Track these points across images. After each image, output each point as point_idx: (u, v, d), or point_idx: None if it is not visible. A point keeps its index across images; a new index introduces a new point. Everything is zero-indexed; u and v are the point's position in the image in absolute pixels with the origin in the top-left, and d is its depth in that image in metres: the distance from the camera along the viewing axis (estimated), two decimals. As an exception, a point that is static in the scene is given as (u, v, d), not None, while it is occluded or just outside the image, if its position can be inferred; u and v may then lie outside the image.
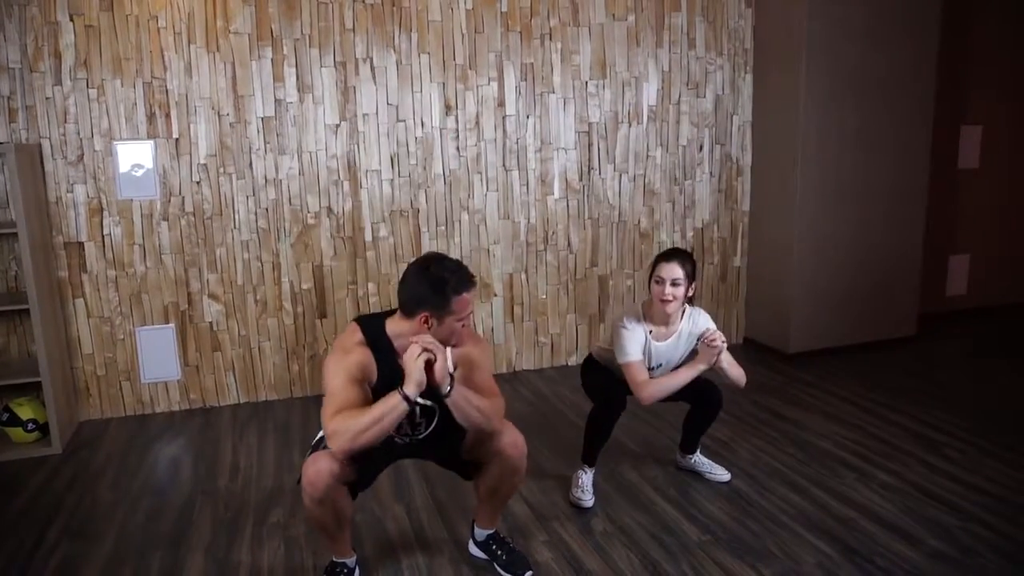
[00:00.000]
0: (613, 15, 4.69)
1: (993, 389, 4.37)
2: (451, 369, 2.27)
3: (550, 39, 4.60)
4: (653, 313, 3.06)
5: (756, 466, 3.46)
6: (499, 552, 2.69)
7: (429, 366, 2.20)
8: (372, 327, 2.39)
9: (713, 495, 3.20)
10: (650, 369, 3.07)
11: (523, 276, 4.83)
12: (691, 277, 2.99)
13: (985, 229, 5.96)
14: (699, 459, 3.38)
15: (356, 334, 2.38)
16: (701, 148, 5.04)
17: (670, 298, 2.95)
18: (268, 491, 3.34)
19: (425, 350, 2.20)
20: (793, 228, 4.83)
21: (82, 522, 3.12)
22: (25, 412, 3.83)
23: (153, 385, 4.32)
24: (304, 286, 4.43)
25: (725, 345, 2.99)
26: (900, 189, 5.02)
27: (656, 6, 4.77)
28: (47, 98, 3.92)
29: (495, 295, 4.79)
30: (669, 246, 5.05)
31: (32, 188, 3.77)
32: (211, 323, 4.33)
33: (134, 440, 3.98)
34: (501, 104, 4.59)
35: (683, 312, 3.09)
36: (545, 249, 4.84)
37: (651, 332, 3.06)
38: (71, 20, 3.88)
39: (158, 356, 4.28)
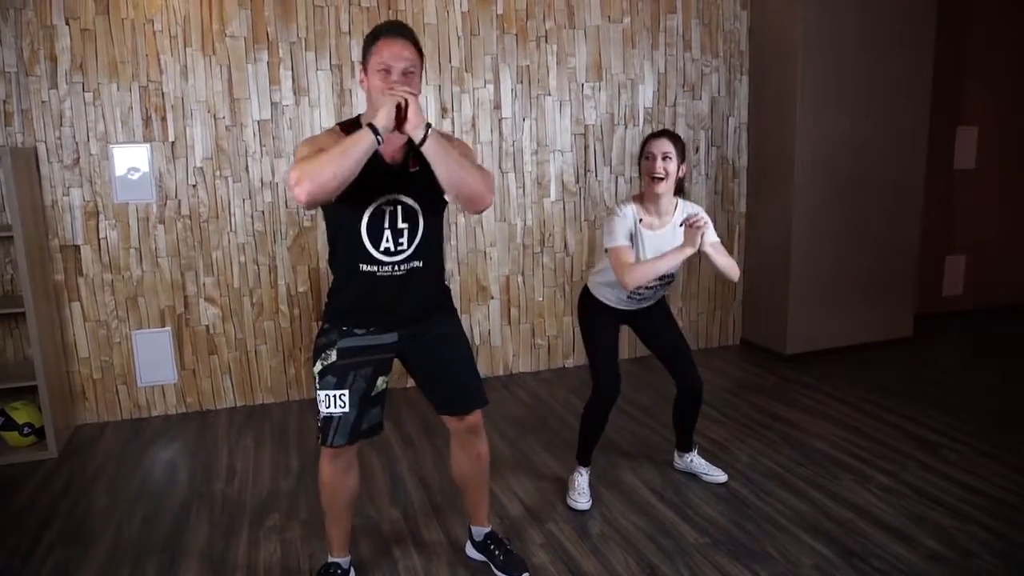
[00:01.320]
0: (608, 17, 4.69)
1: (990, 390, 4.37)
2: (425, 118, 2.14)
3: (546, 41, 4.60)
4: (645, 199, 2.98)
5: (753, 468, 3.45)
6: (497, 553, 2.69)
7: (400, 113, 2.08)
8: (346, 121, 2.36)
9: (710, 497, 3.20)
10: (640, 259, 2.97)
11: (520, 278, 4.83)
12: (681, 156, 2.92)
13: (981, 230, 5.96)
14: (696, 460, 3.38)
15: (332, 128, 2.34)
16: (697, 150, 5.04)
17: (661, 173, 2.87)
18: (264, 494, 3.34)
19: (398, 89, 2.09)
20: (789, 230, 4.84)
21: (78, 526, 3.11)
22: (21, 416, 3.82)
23: (149, 389, 4.31)
24: (300, 289, 4.43)
25: (709, 224, 2.85)
26: (896, 190, 5.03)
27: (652, 8, 4.77)
28: (43, 102, 3.91)
29: (492, 297, 4.79)
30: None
31: (28, 191, 3.76)
32: (207, 326, 4.33)
33: (130, 444, 3.97)
34: (497, 107, 4.59)
35: (676, 205, 3.01)
36: (542, 251, 4.84)
37: (641, 220, 2.96)
38: (67, 24, 3.88)
39: (154, 359, 4.28)
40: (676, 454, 3.45)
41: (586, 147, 4.81)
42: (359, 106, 4.32)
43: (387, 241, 2.30)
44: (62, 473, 3.63)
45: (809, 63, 4.63)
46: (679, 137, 2.96)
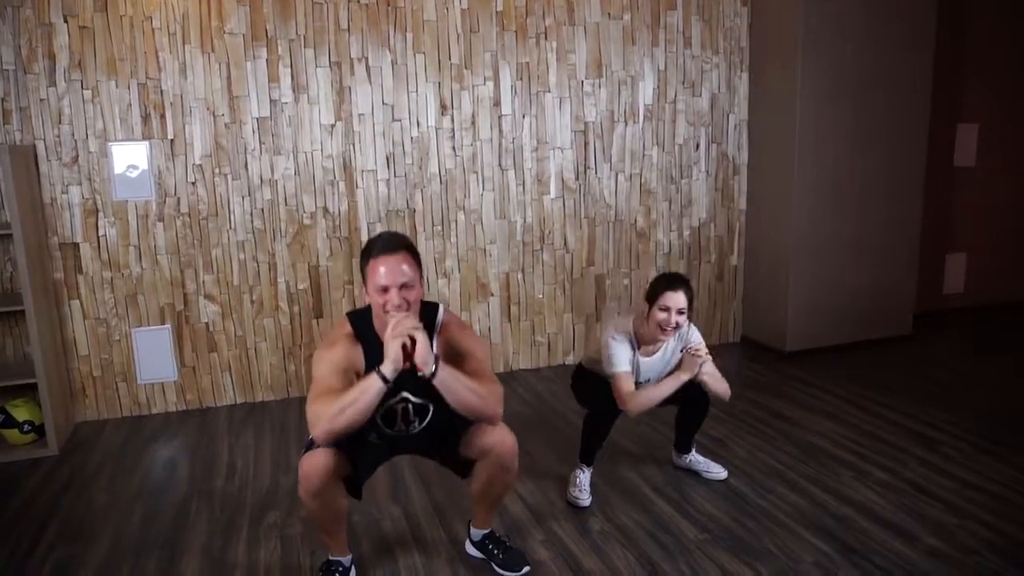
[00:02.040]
0: (608, 14, 4.68)
1: (990, 387, 4.37)
2: (434, 352, 2.23)
3: (545, 38, 4.60)
4: (644, 335, 3.05)
5: (753, 465, 3.45)
6: (495, 551, 2.69)
7: (407, 350, 2.16)
8: (359, 318, 2.40)
9: (710, 494, 3.20)
10: (637, 383, 3.06)
11: (520, 276, 4.82)
12: (691, 304, 3.00)
13: (982, 227, 5.96)
14: (695, 458, 3.38)
15: (344, 327, 2.39)
16: (697, 147, 5.04)
17: (672, 328, 2.95)
18: (264, 491, 3.34)
19: (401, 329, 2.16)
20: (790, 226, 4.84)
21: (78, 523, 3.11)
22: (21, 413, 3.82)
23: (149, 386, 4.31)
24: (300, 286, 4.42)
25: (709, 358, 2.99)
26: (896, 187, 5.03)
27: (652, 5, 4.76)
28: (41, 99, 3.91)
29: (492, 295, 4.79)
30: (666, 245, 5.06)
31: (27, 189, 3.76)
32: (207, 324, 4.33)
33: (130, 441, 3.97)
34: (497, 104, 4.58)
35: None
36: (542, 248, 4.83)
37: (639, 349, 3.07)
38: (65, 21, 3.87)
39: (154, 357, 4.28)
40: (675, 453, 3.45)
41: (586, 144, 4.80)
42: (358, 103, 4.32)
43: (399, 426, 2.48)
44: (62, 470, 3.63)
45: (809, 60, 4.62)
46: (689, 284, 3.02)
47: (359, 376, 2.30)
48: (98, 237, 4.10)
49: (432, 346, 2.25)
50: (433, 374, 2.19)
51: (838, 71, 4.70)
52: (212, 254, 4.27)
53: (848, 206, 4.91)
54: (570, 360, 5.01)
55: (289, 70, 4.21)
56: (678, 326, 2.95)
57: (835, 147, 4.80)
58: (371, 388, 2.15)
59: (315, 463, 2.28)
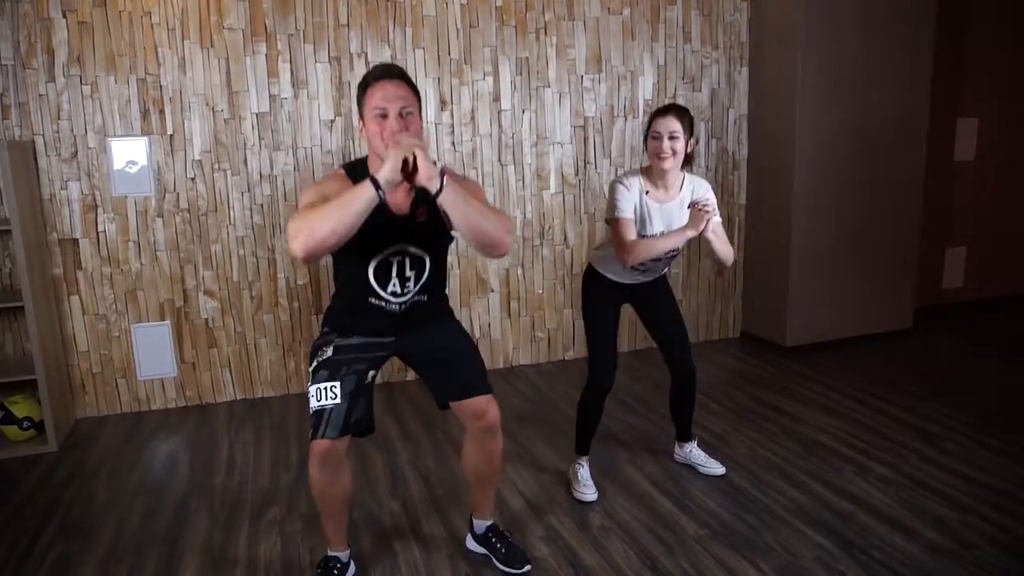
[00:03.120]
0: (608, 9, 4.67)
1: (990, 382, 4.37)
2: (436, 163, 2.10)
3: (545, 33, 4.59)
4: (651, 174, 2.94)
5: (753, 460, 3.46)
6: (498, 545, 2.69)
7: (408, 164, 2.02)
8: (352, 164, 2.34)
9: (710, 489, 3.20)
10: (651, 236, 2.94)
11: (519, 271, 4.82)
12: (689, 131, 2.88)
13: (981, 222, 5.95)
14: (695, 452, 3.38)
15: (337, 172, 2.33)
16: (697, 142, 5.03)
17: (668, 153, 2.83)
18: (264, 488, 3.34)
19: (404, 142, 2.04)
20: (790, 221, 4.83)
21: (78, 520, 3.11)
22: (21, 410, 3.82)
23: (149, 382, 4.31)
24: (300, 282, 4.42)
25: (716, 213, 2.86)
26: (896, 182, 5.02)
27: (651, -1, 4.76)
28: (40, 95, 3.90)
29: (492, 290, 4.79)
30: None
31: (25, 185, 3.75)
32: (207, 320, 4.32)
33: (130, 437, 3.97)
34: (496, 99, 4.57)
35: (683, 179, 2.98)
36: (541, 244, 4.83)
37: (648, 193, 2.93)
38: (64, 16, 3.86)
39: (154, 353, 4.27)
40: (676, 445, 3.45)
41: (586, 139, 4.79)
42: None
43: (394, 285, 2.36)
44: (62, 467, 3.63)
45: (809, 54, 4.61)
46: (686, 111, 2.90)
47: None
48: (97, 233, 4.09)
49: (431, 160, 2.09)
50: (439, 190, 2.05)
51: (838, 66, 4.69)
52: (212, 250, 4.26)
53: (848, 201, 4.91)
54: (570, 356, 5.01)
55: (288, 65, 4.20)
56: (673, 152, 2.83)
57: (835, 142, 4.79)
58: (362, 194, 2.00)
59: (323, 442, 2.29)
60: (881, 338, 5.18)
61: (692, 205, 2.88)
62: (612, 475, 3.35)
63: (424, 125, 4.39)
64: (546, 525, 2.95)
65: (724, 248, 2.96)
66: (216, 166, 4.19)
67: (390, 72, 2.22)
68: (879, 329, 5.21)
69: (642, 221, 2.93)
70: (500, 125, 4.61)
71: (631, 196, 2.90)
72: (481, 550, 2.75)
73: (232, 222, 4.27)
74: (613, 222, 2.92)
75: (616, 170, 4.86)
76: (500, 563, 2.65)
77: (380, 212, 2.08)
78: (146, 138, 4.07)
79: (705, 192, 2.98)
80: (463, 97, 4.51)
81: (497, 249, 2.23)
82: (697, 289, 5.24)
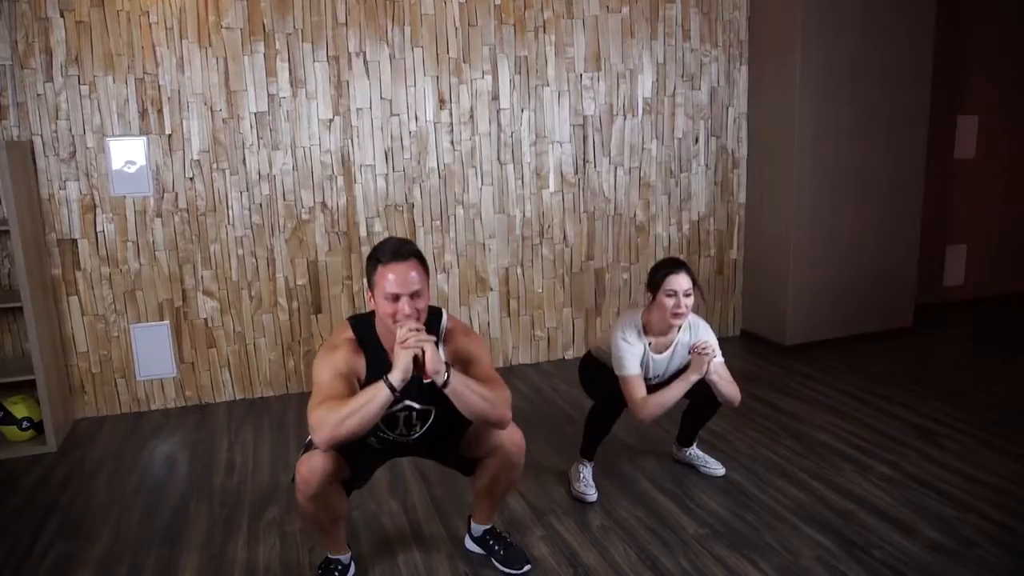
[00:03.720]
0: (607, 7, 4.66)
1: (991, 379, 4.37)
2: (444, 360, 2.22)
3: (544, 31, 4.58)
4: (654, 325, 3.00)
5: (753, 459, 3.45)
6: (496, 547, 2.68)
7: (418, 360, 2.14)
8: (361, 324, 2.38)
9: (711, 488, 3.19)
10: (647, 379, 3.03)
11: (519, 270, 4.81)
12: (696, 283, 2.96)
13: (982, 219, 5.95)
14: (695, 452, 3.37)
15: (345, 331, 2.37)
16: (697, 140, 5.02)
17: (683, 311, 2.91)
18: (264, 488, 3.33)
19: (413, 340, 2.13)
20: (789, 220, 4.82)
21: (77, 520, 3.11)
22: (20, 410, 3.81)
23: (148, 382, 4.30)
24: (299, 282, 4.41)
25: (716, 354, 2.94)
26: (896, 179, 5.01)
27: (651, -2, 4.75)
28: (38, 95, 3.89)
29: (491, 290, 4.78)
30: (665, 239, 5.05)
31: (24, 185, 3.74)
32: (206, 320, 4.32)
33: (129, 438, 3.97)
34: (495, 97, 4.56)
35: (679, 325, 3.04)
36: (541, 243, 4.82)
37: (651, 344, 3.02)
38: (62, 16, 3.85)
39: (153, 353, 4.27)
40: (676, 446, 3.44)
41: (585, 138, 4.78)
42: (356, 98, 4.30)
43: (401, 431, 2.46)
44: (61, 467, 3.62)
45: (809, 52, 4.60)
46: (688, 265, 2.99)
47: (360, 383, 2.29)
48: (96, 233, 4.08)
49: (439, 353, 2.22)
50: (446, 383, 2.17)
51: (838, 63, 4.68)
52: (210, 250, 4.25)
53: (848, 199, 4.90)
54: (570, 354, 5.00)
55: (287, 65, 4.19)
56: (687, 309, 2.91)
57: (835, 139, 4.78)
58: (378, 397, 2.12)
59: (313, 466, 2.26)
60: (882, 336, 5.17)
61: (692, 350, 2.95)
62: (612, 474, 3.34)
63: (423, 124, 4.40)
64: (546, 525, 2.94)
65: (729, 388, 3.00)
66: (215, 166, 4.18)
67: (401, 253, 2.25)
68: (879, 327, 5.20)
69: (644, 370, 3.02)
70: (499, 124, 4.60)
71: (636, 352, 2.97)
72: (480, 551, 2.74)
73: (231, 222, 4.26)
74: (622, 380, 2.96)
75: (616, 169, 4.86)
76: (500, 564, 2.65)
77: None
78: (144, 138, 4.06)
79: (705, 335, 3.04)
80: (462, 96, 4.50)
81: (497, 427, 2.37)
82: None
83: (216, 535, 2.95)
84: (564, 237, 4.86)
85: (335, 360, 2.28)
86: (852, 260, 5.00)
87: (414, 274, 2.23)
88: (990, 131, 5.80)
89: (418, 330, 2.16)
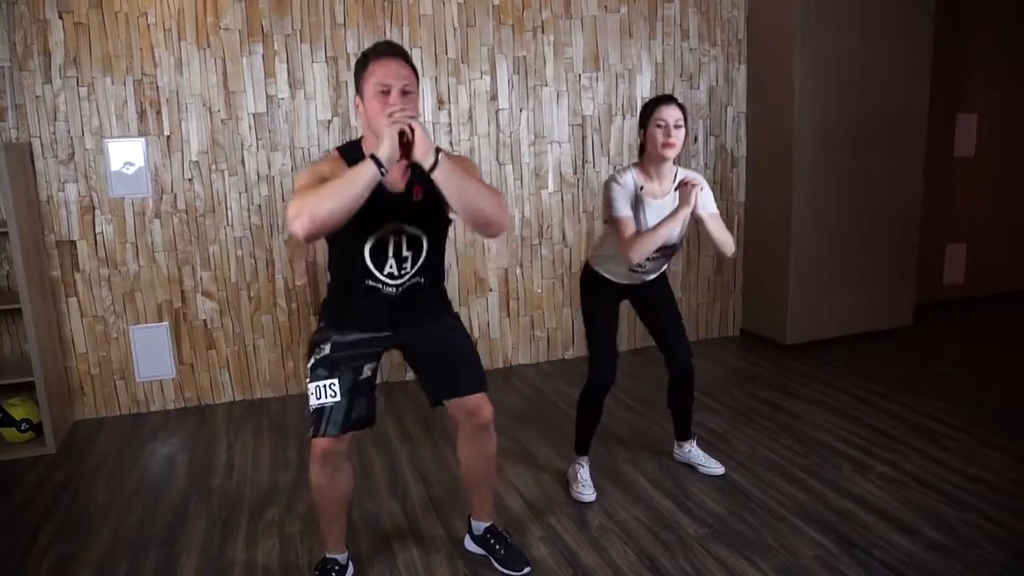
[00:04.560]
0: (605, 7, 4.66)
1: (991, 378, 4.36)
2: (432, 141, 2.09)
3: (542, 32, 4.58)
4: (646, 167, 2.92)
5: (753, 458, 3.45)
6: (497, 547, 2.67)
7: (407, 143, 2.01)
8: (347, 147, 2.32)
9: (710, 488, 3.19)
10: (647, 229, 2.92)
11: (518, 270, 4.81)
12: (686, 122, 2.87)
13: (982, 217, 5.95)
14: (694, 451, 3.37)
15: (333, 153, 2.32)
16: (696, 140, 5.02)
17: (674, 142, 2.80)
18: (263, 489, 3.33)
19: (400, 116, 2.02)
20: (789, 218, 4.82)
21: (76, 521, 3.10)
22: (18, 412, 3.81)
23: (148, 384, 4.30)
24: (298, 282, 4.41)
25: (708, 191, 2.86)
26: (896, 178, 5.01)
27: (649, -3, 4.75)
28: (37, 96, 3.89)
29: (490, 290, 4.78)
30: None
31: (23, 187, 3.74)
32: (205, 321, 4.32)
33: (129, 439, 3.96)
34: (494, 98, 4.56)
35: (675, 173, 2.95)
36: (540, 243, 4.82)
37: (643, 188, 2.91)
38: (60, 18, 3.86)
39: (152, 354, 4.27)
40: (675, 444, 3.44)
41: (584, 138, 4.78)
42: (354, 98, 4.29)
43: (391, 267, 2.32)
44: (60, 469, 3.62)
45: (807, 51, 4.60)
46: (680, 102, 2.90)
47: None
48: (95, 234, 4.08)
49: (429, 134, 2.09)
50: (433, 166, 2.04)
51: (836, 62, 4.68)
52: (209, 251, 4.25)
53: (847, 197, 4.90)
54: (570, 355, 5.00)
55: (285, 65, 4.19)
56: (677, 141, 2.81)
57: (834, 138, 4.78)
58: (363, 172, 1.99)
59: (324, 446, 2.30)
60: (881, 335, 5.17)
61: (679, 185, 2.87)
62: (611, 474, 3.34)
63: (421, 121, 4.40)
64: (544, 525, 2.94)
65: (721, 233, 2.92)
66: (213, 167, 4.18)
67: (392, 50, 2.20)
68: (879, 326, 5.20)
69: (637, 216, 2.92)
70: (498, 124, 4.60)
71: (627, 192, 2.89)
72: (480, 551, 2.73)
73: (230, 223, 4.26)
74: (612, 221, 2.89)
75: (614, 168, 4.85)
76: (499, 564, 2.64)
77: (376, 190, 2.06)
78: (143, 139, 4.06)
79: (691, 174, 2.96)
80: (460, 96, 4.50)
81: (492, 228, 2.23)
82: (697, 287, 5.23)
83: (215, 536, 2.94)
84: (563, 237, 4.86)
85: (318, 168, 2.19)
86: (852, 259, 5.00)
87: (405, 71, 2.16)
88: (990, 129, 5.80)
89: (406, 110, 2.07)
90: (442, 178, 2.07)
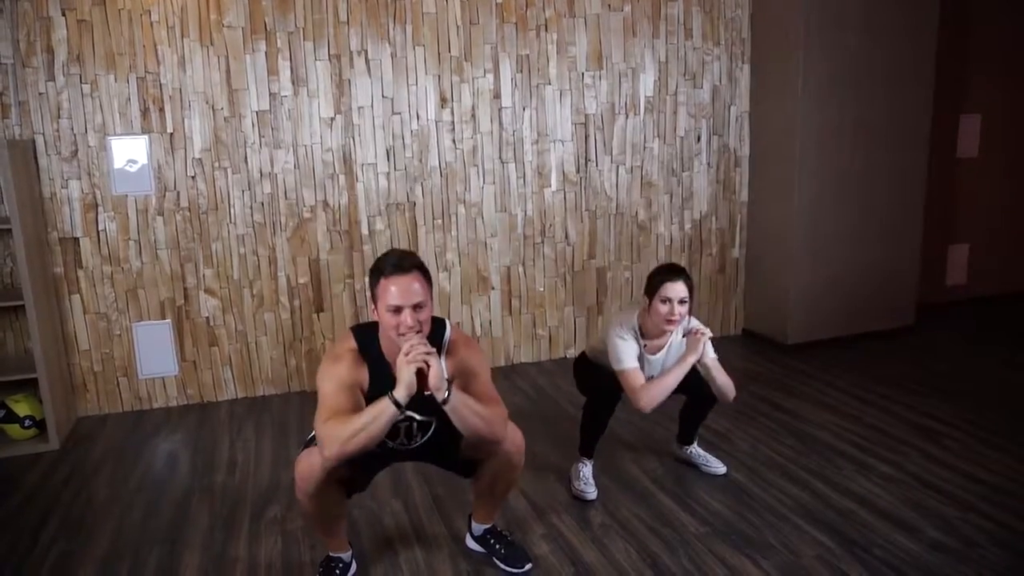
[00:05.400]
0: (609, 5, 4.66)
1: (993, 379, 4.36)
2: (446, 376, 2.24)
3: (545, 30, 4.57)
4: (649, 328, 3.03)
5: (755, 458, 3.45)
6: (497, 546, 2.68)
7: (421, 374, 2.16)
8: (364, 334, 2.38)
9: (712, 487, 3.19)
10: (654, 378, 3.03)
11: (520, 269, 4.81)
12: (691, 292, 2.97)
13: (985, 218, 5.93)
14: (696, 451, 3.37)
15: (348, 341, 2.38)
16: (699, 139, 5.02)
17: (676, 319, 2.93)
18: (265, 486, 3.34)
19: (416, 355, 2.15)
20: (791, 218, 4.82)
21: (79, 518, 3.11)
22: (22, 408, 3.82)
23: (150, 381, 4.31)
24: (301, 280, 4.42)
25: (709, 333, 2.97)
26: (899, 178, 5.00)
27: (652, -4, 4.75)
28: (40, 93, 3.90)
29: (493, 288, 4.78)
30: (667, 238, 5.05)
31: (26, 184, 3.75)
32: (208, 318, 4.32)
33: (131, 436, 3.97)
34: (497, 96, 4.56)
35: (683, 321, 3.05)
36: (542, 242, 4.82)
37: (645, 346, 3.04)
38: (63, 15, 3.86)
39: (155, 352, 4.27)
40: (676, 444, 3.44)
41: (587, 136, 4.78)
42: (357, 96, 4.30)
43: (401, 440, 2.48)
44: (63, 466, 3.63)
45: (811, 51, 4.59)
46: (687, 273, 3.00)
47: (363, 394, 2.30)
48: (98, 232, 4.09)
49: (442, 368, 2.24)
50: (445, 400, 2.19)
51: (840, 62, 4.67)
52: (212, 248, 4.26)
53: (850, 198, 4.89)
54: (571, 353, 5.00)
55: (288, 63, 4.19)
56: (681, 316, 2.94)
57: (837, 138, 4.77)
58: (384, 414, 2.14)
59: (312, 464, 2.27)
60: (883, 336, 5.16)
61: (687, 334, 3.02)
62: (613, 473, 3.34)
63: (425, 123, 4.40)
64: (547, 523, 2.95)
65: (723, 379, 3.02)
66: (216, 164, 4.19)
67: (403, 265, 2.25)
68: (881, 326, 5.19)
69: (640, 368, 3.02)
70: (501, 122, 4.60)
71: (632, 347, 2.99)
72: (481, 549, 2.74)
73: (232, 220, 4.26)
74: (620, 374, 2.97)
75: (617, 168, 4.85)
76: (501, 563, 2.65)
77: (389, 387, 2.20)
78: (146, 136, 4.07)
79: (694, 322, 3.07)
80: (463, 94, 4.50)
81: (489, 445, 2.40)
82: (698, 287, 5.22)
83: (217, 533, 2.95)
84: (566, 236, 4.86)
85: (339, 372, 2.30)
86: (854, 259, 4.99)
87: (416, 286, 2.23)
88: (993, 130, 5.79)
89: (422, 344, 2.18)
90: (451, 409, 2.22)
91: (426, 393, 2.19)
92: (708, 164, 5.07)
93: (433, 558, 2.74)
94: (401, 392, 2.15)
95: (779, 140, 4.85)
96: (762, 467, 3.35)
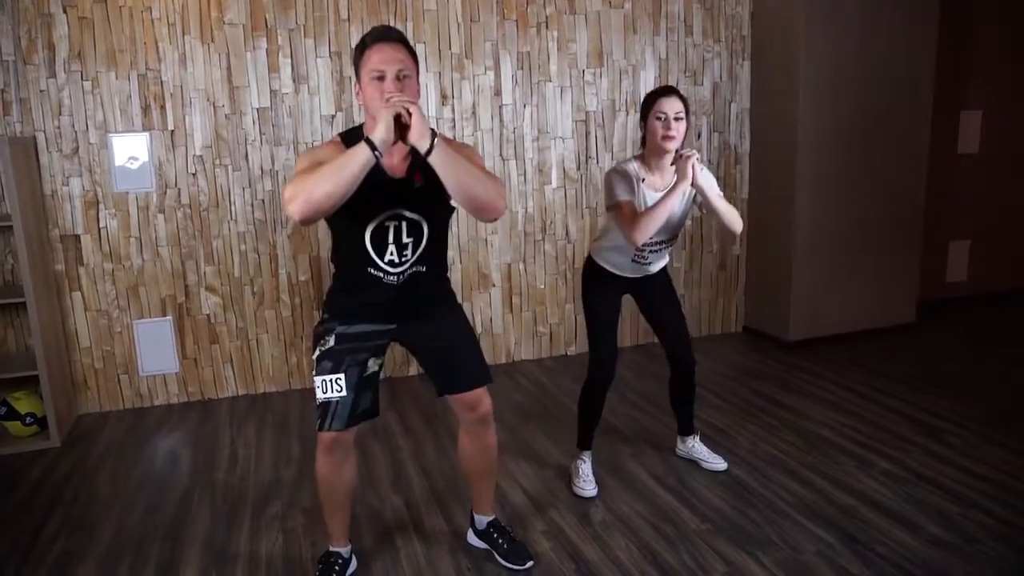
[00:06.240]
0: (609, 3, 4.66)
1: (993, 376, 4.36)
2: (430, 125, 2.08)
3: (546, 27, 4.57)
4: (647, 160, 2.93)
5: (755, 454, 3.45)
6: (500, 541, 2.68)
7: (403, 125, 2.00)
8: (348, 132, 2.32)
9: (712, 483, 3.19)
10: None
11: (521, 266, 4.81)
12: (687, 113, 2.85)
13: (985, 215, 5.93)
14: (697, 447, 3.37)
15: (334, 138, 2.32)
16: (699, 136, 5.01)
17: (674, 134, 2.80)
18: (266, 483, 3.34)
19: (397, 100, 2.01)
20: (792, 215, 4.82)
21: (80, 515, 3.12)
22: (23, 406, 3.82)
23: (151, 378, 4.31)
24: (301, 277, 4.42)
25: (697, 155, 2.81)
26: (899, 174, 5.00)
27: (653, -7, 4.75)
28: (41, 91, 3.90)
29: (493, 285, 4.78)
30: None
31: (27, 181, 3.75)
32: (209, 315, 4.32)
33: (132, 433, 3.98)
34: (498, 93, 4.56)
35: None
36: (543, 239, 4.82)
37: (644, 180, 2.91)
38: (64, 12, 3.86)
39: (156, 349, 4.27)
40: (678, 439, 3.44)
41: (587, 134, 4.78)
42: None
43: (391, 254, 2.30)
44: (64, 462, 3.63)
45: (811, 47, 4.59)
46: (682, 94, 2.88)
47: None
48: (99, 229, 4.09)
49: (425, 118, 2.06)
50: (429, 150, 2.02)
51: (840, 58, 4.67)
52: (213, 245, 4.26)
53: (851, 194, 4.89)
54: (572, 351, 5.00)
55: (289, 60, 4.19)
56: (678, 134, 2.80)
57: (837, 135, 4.77)
58: (357, 155, 1.98)
59: (330, 433, 2.33)
60: (884, 332, 5.16)
61: (675, 160, 2.84)
62: (614, 470, 3.34)
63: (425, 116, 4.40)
64: (547, 520, 2.95)
65: (727, 209, 2.91)
66: (217, 161, 4.19)
67: (388, 35, 2.18)
68: (882, 323, 5.19)
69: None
70: (501, 120, 4.60)
71: (628, 181, 2.90)
72: (482, 545, 2.74)
73: (233, 217, 4.26)
74: (615, 207, 2.88)
75: (617, 163, 4.84)
76: (503, 559, 2.65)
77: (375, 175, 2.07)
78: (147, 134, 4.07)
79: (687, 149, 2.90)
80: (464, 91, 4.50)
81: (488, 213, 2.21)
82: (699, 284, 5.23)
83: (218, 530, 2.96)
84: (566, 233, 4.86)
85: (316, 153, 2.19)
86: (855, 256, 4.99)
87: (400, 55, 2.15)
88: (994, 126, 5.79)
89: (405, 97, 2.06)
90: (438, 161, 2.05)
91: (411, 143, 2.04)
92: (708, 161, 5.07)
93: (433, 553, 2.75)
94: (379, 133, 1.98)
95: (779, 137, 4.85)
96: (763, 463, 3.35)
